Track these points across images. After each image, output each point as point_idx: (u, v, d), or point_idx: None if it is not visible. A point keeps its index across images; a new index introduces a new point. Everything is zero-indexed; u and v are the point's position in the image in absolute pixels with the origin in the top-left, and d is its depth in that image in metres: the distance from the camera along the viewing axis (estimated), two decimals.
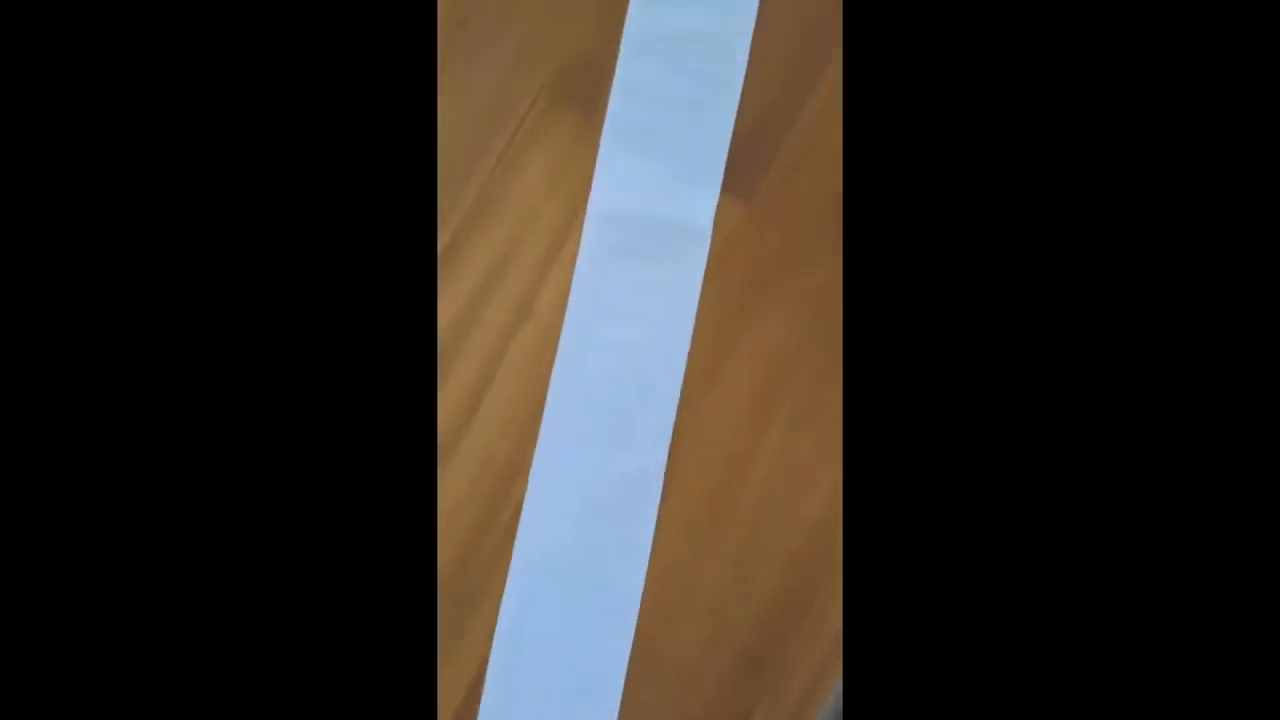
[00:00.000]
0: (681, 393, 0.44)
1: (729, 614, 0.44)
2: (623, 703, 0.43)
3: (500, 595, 0.43)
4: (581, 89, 0.46)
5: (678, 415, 0.44)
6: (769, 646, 0.43)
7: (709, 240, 0.45)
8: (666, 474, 0.44)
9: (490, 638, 0.43)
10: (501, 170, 0.46)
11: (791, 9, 0.46)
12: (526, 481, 0.44)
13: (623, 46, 0.46)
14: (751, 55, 0.46)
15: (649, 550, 0.44)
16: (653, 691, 0.43)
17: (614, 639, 0.43)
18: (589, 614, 0.43)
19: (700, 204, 0.45)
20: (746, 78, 0.46)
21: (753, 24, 0.46)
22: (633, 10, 0.46)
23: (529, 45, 0.46)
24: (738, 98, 0.45)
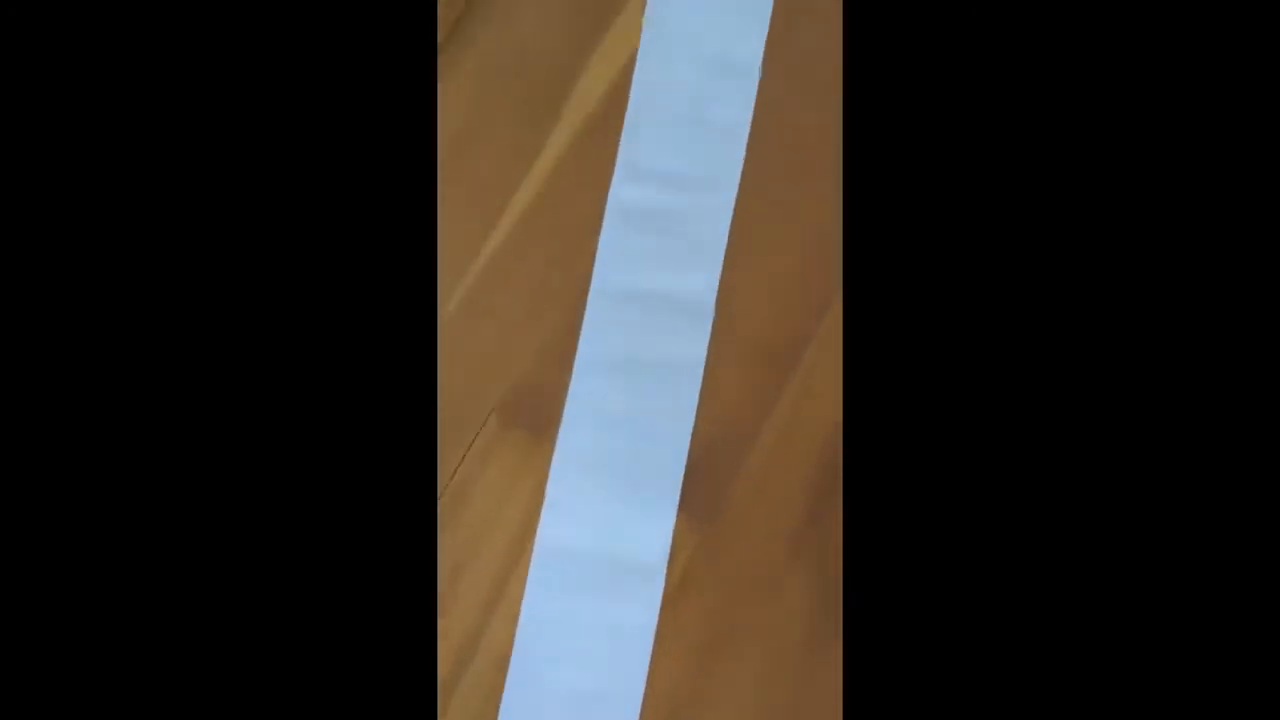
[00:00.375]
0: None
1: None
2: None
3: None
4: (531, 411, 0.45)
5: None
6: None
7: (664, 576, 0.42)
8: None
9: None
10: (449, 497, 0.44)
11: (742, 325, 0.46)
12: None
13: (575, 369, 0.45)
14: (705, 377, 0.45)
15: None
16: None
17: None
18: None
19: (653, 536, 0.43)
20: (701, 400, 0.44)
21: (705, 348, 0.45)
22: (585, 334, 0.45)
23: (479, 367, 0.45)
24: (691, 423, 0.44)
